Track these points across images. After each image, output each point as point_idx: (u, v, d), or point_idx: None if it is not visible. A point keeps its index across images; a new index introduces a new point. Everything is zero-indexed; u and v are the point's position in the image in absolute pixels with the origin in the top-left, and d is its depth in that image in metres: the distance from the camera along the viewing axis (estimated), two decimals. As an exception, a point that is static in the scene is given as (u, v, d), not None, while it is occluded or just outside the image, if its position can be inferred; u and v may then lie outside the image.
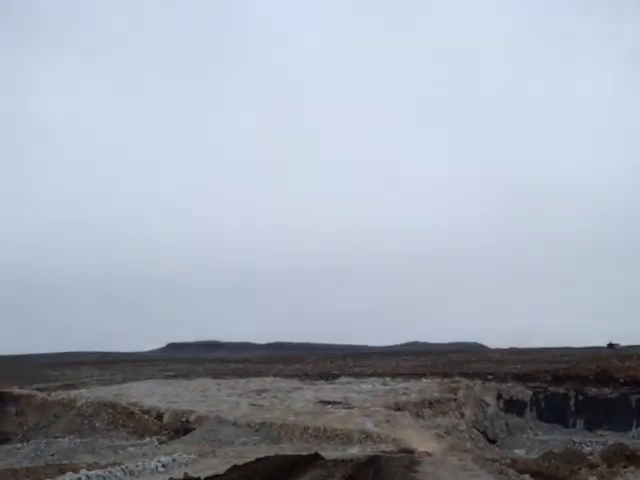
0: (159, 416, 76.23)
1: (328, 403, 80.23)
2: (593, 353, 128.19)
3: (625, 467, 46.64)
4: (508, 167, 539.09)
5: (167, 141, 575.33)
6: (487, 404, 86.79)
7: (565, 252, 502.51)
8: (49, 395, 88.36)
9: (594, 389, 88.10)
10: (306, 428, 66.53)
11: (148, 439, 70.09)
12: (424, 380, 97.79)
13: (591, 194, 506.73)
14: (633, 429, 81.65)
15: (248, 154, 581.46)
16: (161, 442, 68.11)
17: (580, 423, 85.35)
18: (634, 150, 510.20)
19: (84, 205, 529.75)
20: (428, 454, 53.87)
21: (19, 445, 71.36)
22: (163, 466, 42.16)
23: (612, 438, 73.95)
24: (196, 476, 32.07)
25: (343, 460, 46.63)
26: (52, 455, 62.57)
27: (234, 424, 69.15)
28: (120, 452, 62.23)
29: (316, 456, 46.49)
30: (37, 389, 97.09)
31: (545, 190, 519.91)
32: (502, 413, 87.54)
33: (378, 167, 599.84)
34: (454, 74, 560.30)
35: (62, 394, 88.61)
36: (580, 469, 48.22)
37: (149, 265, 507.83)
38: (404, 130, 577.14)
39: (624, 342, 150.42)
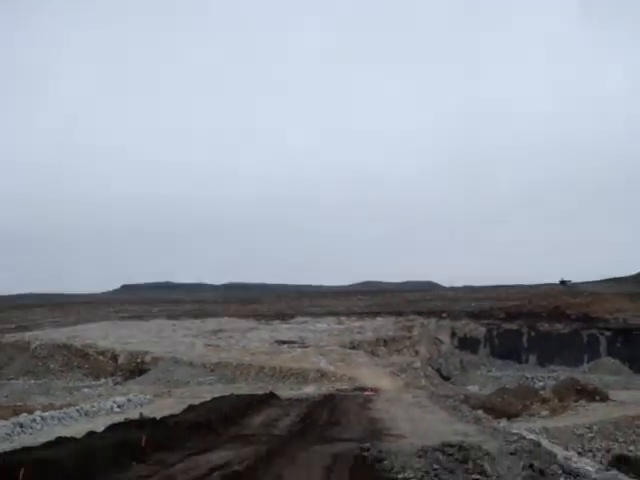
0: (114, 357, 76.02)
1: (284, 343, 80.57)
2: (545, 290, 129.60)
3: (576, 401, 47.66)
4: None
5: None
6: (441, 342, 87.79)
7: (517, 190, 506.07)
8: (2, 337, 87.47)
9: (546, 325, 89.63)
10: (262, 368, 66.82)
11: (103, 380, 69.93)
12: (379, 319, 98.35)
13: (544, 123, 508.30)
14: (584, 364, 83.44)
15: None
16: (116, 383, 68.04)
17: (533, 359, 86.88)
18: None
19: (39, 148, 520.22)
20: (374, 391, 54.46)
21: (-28, 388, 70.73)
22: (119, 407, 42.07)
23: (564, 373, 75.44)
24: (152, 416, 31.93)
25: (298, 399, 46.93)
26: (6, 397, 62.07)
27: (190, 364, 69.20)
28: (75, 393, 61.97)
29: (271, 395, 46.74)
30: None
31: (495, 118, 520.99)
32: (456, 350, 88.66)
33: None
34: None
35: (15, 336, 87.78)
36: (532, 404, 49.13)
37: (101, 206, 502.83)
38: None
39: (576, 279, 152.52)
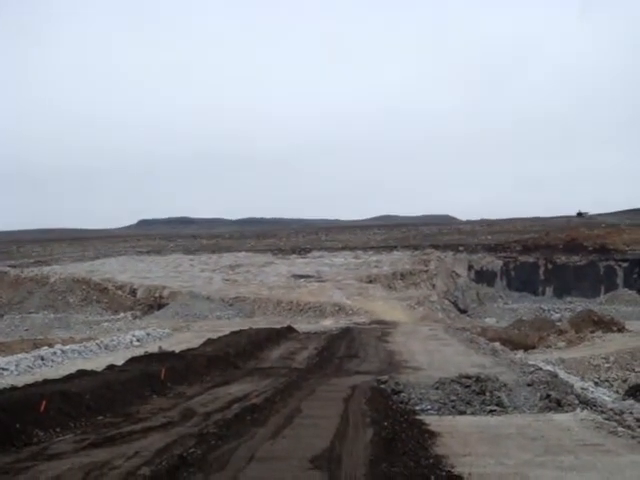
0: (132, 292, 76.54)
1: (301, 277, 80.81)
2: (562, 222, 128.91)
3: (592, 332, 47.70)
4: (475, 41, 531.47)
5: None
6: (458, 275, 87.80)
7: (533, 125, 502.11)
8: (22, 272, 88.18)
9: (563, 257, 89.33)
10: (279, 302, 67.16)
11: (122, 314, 70.51)
12: (395, 253, 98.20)
13: (559, 61, 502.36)
14: (601, 295, 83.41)
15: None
16: (135, 317, 68.63)
17: (549, 291, 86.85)
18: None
19: (56, 87, 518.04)
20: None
21: (-7, 321, 71.62)
22: (138, 340, 42.33)
23: (580, 304, 75.57)
24: (171, 350, 32.20)
25: (316, 332, 47.17)
26: (27, 330, 62.95)
27: (208, 299, 69.62)
28: (94, 327, 62.68)
29: (289, 329, 46.97)
30: (9, 266, 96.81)
31: (511, 61, 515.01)
32: (473, 283, 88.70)
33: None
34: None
35: (35, 270, 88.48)
36: (549, 335, 49.28)
37: (117, 142, 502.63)
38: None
39: (593, 211, 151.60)
